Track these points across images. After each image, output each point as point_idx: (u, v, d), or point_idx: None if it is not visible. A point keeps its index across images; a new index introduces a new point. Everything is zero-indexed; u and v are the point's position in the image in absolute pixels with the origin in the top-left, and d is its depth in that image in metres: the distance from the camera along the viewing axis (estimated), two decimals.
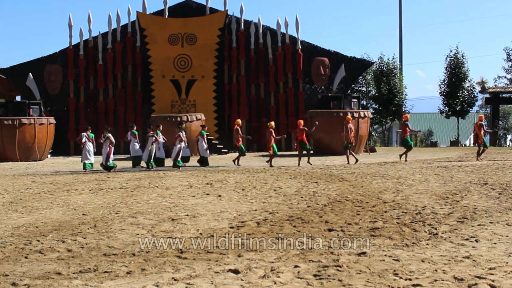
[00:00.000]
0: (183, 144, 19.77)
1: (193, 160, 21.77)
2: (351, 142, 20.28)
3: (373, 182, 13.24)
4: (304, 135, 19.99)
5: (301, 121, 20.50)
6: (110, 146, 19.19)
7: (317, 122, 21.57)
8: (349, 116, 22.42)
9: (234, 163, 20.57)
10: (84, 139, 19.36)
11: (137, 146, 20.67)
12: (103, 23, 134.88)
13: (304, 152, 20.21)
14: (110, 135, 19.51)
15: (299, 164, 19.76)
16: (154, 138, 19.71)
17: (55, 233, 7.96)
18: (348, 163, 19.90)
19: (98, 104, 30.94)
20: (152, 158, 19.72)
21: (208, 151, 21.13)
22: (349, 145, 20.35)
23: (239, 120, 21.77)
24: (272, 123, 20.45)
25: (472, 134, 22.00)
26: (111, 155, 19.20)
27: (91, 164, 19.34)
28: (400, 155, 21.27)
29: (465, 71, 40.93)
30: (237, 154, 21.25)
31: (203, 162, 20.64)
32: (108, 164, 19.08)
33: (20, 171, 19.60)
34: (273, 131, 19.91)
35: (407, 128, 20.74)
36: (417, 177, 14.12)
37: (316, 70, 31.14)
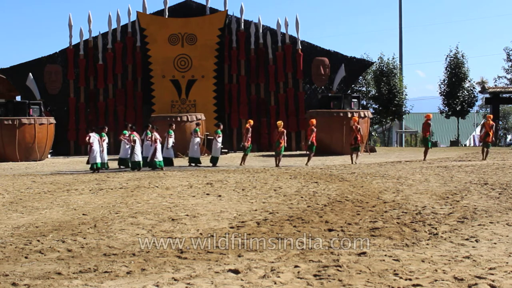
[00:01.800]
0: (158, 145, 19.41)
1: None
2: (357, 143, 20.39)
3: (373, 182, 13.24)
4: (314, 136, 20.04)
5: (313, 121, 20.47)
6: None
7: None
8: (355, 116, 22.55)
9: (240, 164, 20.51)
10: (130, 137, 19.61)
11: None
12: (103, 23, 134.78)
13: (308, 152, 20.31)
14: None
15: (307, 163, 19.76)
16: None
17: (55, 233, 7.96)
18: (353, 162, 19.99)
19: (98, 104, 30.93)
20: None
21: (220, 151, 21.10)
22: (358, 146, 20.54)
23: (251, 121, 21.67)
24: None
25: (479, 133, 21.95)
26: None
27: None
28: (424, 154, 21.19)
29: (465, 71, 40.89)
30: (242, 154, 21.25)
31: (213, 161, 20.67)
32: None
33: (20, 171, 19.60)
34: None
35: (428, 127, 20.85)
36: (417, 177, 14.12)
37: (316, 70, 31.13)
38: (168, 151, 20.53)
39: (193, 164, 20.81)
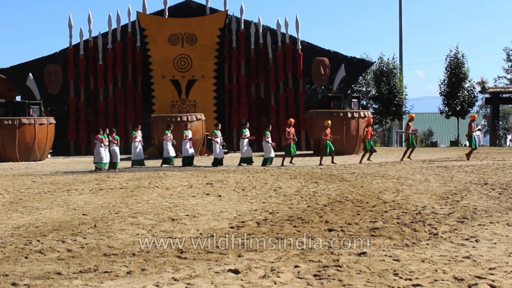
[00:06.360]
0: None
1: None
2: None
3: (373, 182, 13.23)
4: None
5: (370, 120, 21.84)
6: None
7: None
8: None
9: (290, 163, 20.35)
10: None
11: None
12: (103, 23, 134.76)
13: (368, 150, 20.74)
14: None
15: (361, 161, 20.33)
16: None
17: (55, 233, 7.96)
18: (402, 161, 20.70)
19: (98, 104, 30.95)
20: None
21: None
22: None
23: (292, 120, 21.38)
24: (329, 121, 20.69)
25: None
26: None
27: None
28: (466, 154, 21.43)
29: (465, 71, 40.89)
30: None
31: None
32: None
33: (20, 171, 19.60)
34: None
35: (471, 127, 21.34)
36: (417, 177, 14.11)
37: (316, 70, 31.15)
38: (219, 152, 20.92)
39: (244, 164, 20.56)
